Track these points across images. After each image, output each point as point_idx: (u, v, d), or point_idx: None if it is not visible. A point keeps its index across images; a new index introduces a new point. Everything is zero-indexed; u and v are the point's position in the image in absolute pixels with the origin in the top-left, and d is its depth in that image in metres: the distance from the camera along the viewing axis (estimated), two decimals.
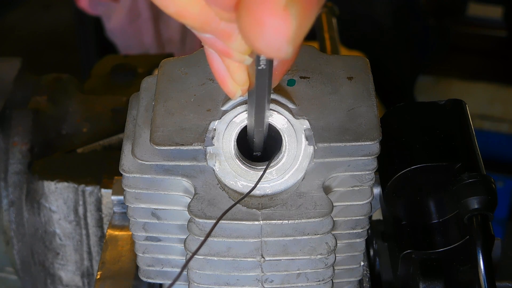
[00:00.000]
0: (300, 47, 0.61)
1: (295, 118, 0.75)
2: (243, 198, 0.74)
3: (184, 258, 0.82)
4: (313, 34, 1.37)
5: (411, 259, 0.82)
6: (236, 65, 0.61)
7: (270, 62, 0.57)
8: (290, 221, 0.75)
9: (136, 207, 0.79)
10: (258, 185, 0.74)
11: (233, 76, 0.62)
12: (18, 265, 1.15)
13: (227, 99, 0.76)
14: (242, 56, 0.57)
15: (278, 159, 0.75)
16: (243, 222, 0.75)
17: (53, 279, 1.13)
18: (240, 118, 0.75)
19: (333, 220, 0.76)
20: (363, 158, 0.75)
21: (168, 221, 0.80)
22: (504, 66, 2.99)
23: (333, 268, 0.80)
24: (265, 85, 0.60)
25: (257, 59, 0.57)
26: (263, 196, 0.76)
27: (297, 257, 0.77)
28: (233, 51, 0.57)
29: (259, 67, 0.57)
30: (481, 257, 0.74)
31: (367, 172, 0.77)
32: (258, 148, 0.74)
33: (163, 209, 0.79)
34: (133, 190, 0.78)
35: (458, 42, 2.98)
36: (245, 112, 0.74)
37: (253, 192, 0.75)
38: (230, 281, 0.79)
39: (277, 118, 0.75)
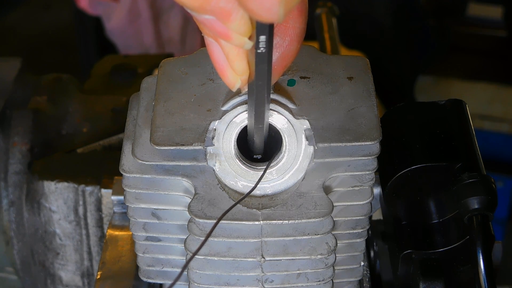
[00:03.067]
0: (294, 15, 0.62)
1: (295, 118, 0.75)
2: (243, 198, 0.74)
3: (184, 258, 0.82)
4: (313, 34, 1.37)
5: (411, 259, 0.82)
6: (235, 52, 0.61)
7: (269, 45, 0.57)
8: (290, 221, 0.75)
9: (136, 207, 0.79)
10: (258, 185, 0.74)
11: (233, 65, 0.62)
12: (18, 265, 1.15)
13: (227, 99, 0.76)
14: (241, 39, 0.58)
15: (278, 159, 0.75)
16: (243, 222, 0.75)
17: (53, 279, 1.13)
18: (240, 118, 0.75)
19: (333, 220, 0.76)
20: (363, 158, 0.75)
21: (168, 221, 0.80)
22: (504, 66, 2.99)
23: (333, 268, 0.80)
24: (264, 73, 0.60)
25: (256, 41, 0.57)
26: (263, 196, 0.76)
27: (297, 257, 0.77)
28: (232, 33, 0.57)
29: (259, 50, 0.57)
30: (481, 257, 0.74)
31: (367, 172, 0.77)
32: (259, 149, 0.74)
33: (163, 209, 0.79)
34: (133, 190, 0.78)
35: (458, 42, 2.98)
36: (245, 112, 0.74)
37: (253, 192, 0.75)
38: (231, 281, 0.79)
39: (277, 118, 0.75)
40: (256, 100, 0.65)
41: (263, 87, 0.63)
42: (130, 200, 0.78)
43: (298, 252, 0.77)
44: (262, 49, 0.57)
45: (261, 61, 0.59)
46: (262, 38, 0.56)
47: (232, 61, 0.62)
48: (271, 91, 0.74)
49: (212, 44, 0.62)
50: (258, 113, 0.67)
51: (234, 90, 0.65)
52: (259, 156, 0.76)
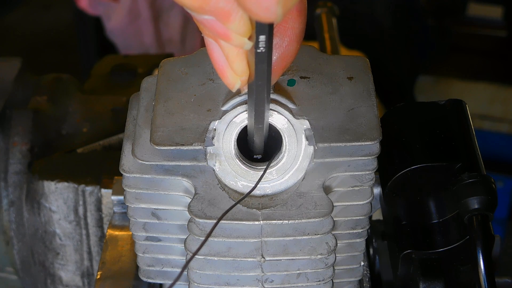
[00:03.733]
0: (293, 15, 0.62)
1: (295, 118, 0.75)
2: (243, 198, 0.74)
3: (184, 258, 0.82)
4: (313, 34, 1.37)
5: (411, 259, 0.82)
6: (235, 53, 0.61)
7: (269, 45, 0.57)
8: (290, 221, 0.75)
9: (136, 207, 0.79)
10: (258, 185, 0.74)
11: (232, 66, 0.62)
12: (18, 265, 1.15)
13: (227, 99, 0.76)
14: (241, 39, 0.58)
15: (278, 159, 0.75)
16: (243, 222, 0.75)
17: (53, 279, 1.13)
18: (240, 118, 0.75)
19: (333, 220, 0.76)
20: (363, 158, 0.75)
21: (168, 221, 0.80)
22: (504, 66, 2.99)
23: (333, 268, 0.80)
24: (264, 73, 0.60)
25: (256, 41, 0.57)
26: (263, 196, 0.76)
27: (297, 257, 0.77)
28: (232, 34, 0.57)
29: (258, 50, 0.57)
30: (481, 257, 0.74)
31: (367, 172, 0.77)
32: (259, 149, 0.74)
33: (163, 209, 0.79)
34: (133, 190, 0.78)
35: (458, 42, 2.98)
36: (245, 112, 0.74)
37: (253, 192, 0.75)
38: (230, 281, 0.79)
39: (277, 118, 0.75)
40: (256, 100, 0.65)
41: (263, 87, 0.63)
42: (130, 200, 0.78)
43: (298, 252, 0.77)
44: (261, 49, 0.57)
45: (261, 61, 0.59)
46: (262, 38, 0.56)
47: (232, 62, 0.62)
48: (271, 91, 0.74)
49: (212, 45, 0.62)
50: (258, 113, 0.67)
51: (234, 90, 0.65)
52: (259, 156, 0.76)
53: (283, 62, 0.65)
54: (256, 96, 0.64)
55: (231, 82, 0.64)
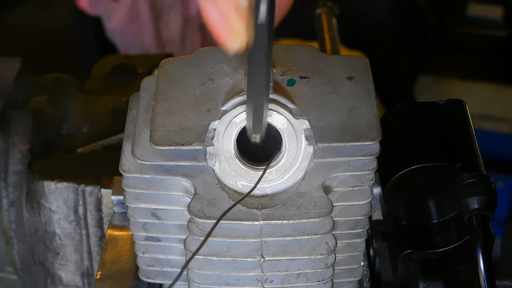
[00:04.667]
0: None
1: (295, 118, 0.75)
2: (243, 198, 0.74)
3: (184, 258, 0.82)
4: (313, 34, 1.37)
5: (411, 259, 0.82)
6: (232, 11, 0.60)
7: (270, 16, 0.56)
8: (290, 221, 0.75)
9: (136, 207, 0.79)
10: (258, 185, 0.74)
11: (231, 26, 0.61)
12: (18, 265, 1.15)
13: (227, 99, 0.76)
14: None
15: (278, 159, 0.76)
16: (243, 222, 0.75)
17: (53, 279, 1.13)
18: (240, 118, 0.75)
19: (333, 220, 0.76)
20: (363, 158, 0.75)
21: (168, 221, 0.80)
22: (504, 66, 2.98)
23: (333, 268, 0.80)
24: (265, 43, 0.58)
25: (256, 11, 0.55)
26: (263, 196, 0.76)
27: (297, 257, 0.77)
28: None
29: (259, 22, 0.56)
30: (481, 257, 0.74)
31: (367, 172, 0.77)
32: (257, 129, 0.71)
33: (163, 209, 0.79)
34: (133, 190, 0.78)
35: (458, 42, 2.98)
36: (245, 112, 0.74)
37: (253, 192, 0.75)
38: (230, 281, 0.79)
39: (277, 118, 0.75)
40: (254, 63, 0.62)
41: (262, 54, 0.60)
42: (130, 200, 0.78)
43: (298, 252, 0.77)
44: (262, 20, 0.56)
45: (261, 34, 0.57)
46: (263, 6, 0.55)
47: (230, 22, 0.60)
48: (271, 91, 0.74)
49: (207, 5, 0.61)
50: (256, 80, 0.64)
51: (232, 53, 0.63)
52: (257, 139, 0.74)
53: (278, 12, 0.63)
54: (255, 59, 0.61)
55: (229, 42, 0.62)
